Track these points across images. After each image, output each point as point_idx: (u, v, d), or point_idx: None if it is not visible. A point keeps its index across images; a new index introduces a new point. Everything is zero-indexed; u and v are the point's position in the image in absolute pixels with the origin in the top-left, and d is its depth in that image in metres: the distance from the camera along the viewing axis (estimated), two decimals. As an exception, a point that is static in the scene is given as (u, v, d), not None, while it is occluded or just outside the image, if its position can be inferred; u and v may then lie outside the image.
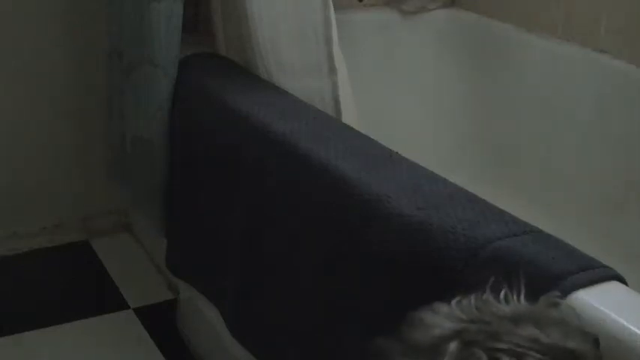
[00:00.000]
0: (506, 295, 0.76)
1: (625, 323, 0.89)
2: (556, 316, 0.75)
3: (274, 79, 1.63)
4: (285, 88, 1.60)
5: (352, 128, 1.43)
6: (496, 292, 0.77)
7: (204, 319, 1.71)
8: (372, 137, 1.37)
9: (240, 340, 1.49)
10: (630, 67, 1.78)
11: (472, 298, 0.75)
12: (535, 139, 2.00)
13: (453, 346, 0.70)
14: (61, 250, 2.16)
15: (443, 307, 0.74)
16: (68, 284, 2.07)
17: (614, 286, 0.96)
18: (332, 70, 1.67)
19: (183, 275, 1.76)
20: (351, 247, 1.18)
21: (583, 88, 1.88)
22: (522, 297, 0.76)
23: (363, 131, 1.40)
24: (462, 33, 2.18)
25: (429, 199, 1.13)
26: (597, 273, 0.96)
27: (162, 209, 1.78)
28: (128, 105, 1.80)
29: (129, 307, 1.96)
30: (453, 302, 0.75)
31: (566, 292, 0.93)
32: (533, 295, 0.78)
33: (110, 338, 1.86)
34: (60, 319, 1.90)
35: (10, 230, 2.12)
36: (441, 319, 0.73)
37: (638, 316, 0.90)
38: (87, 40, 2.04)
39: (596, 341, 0.76)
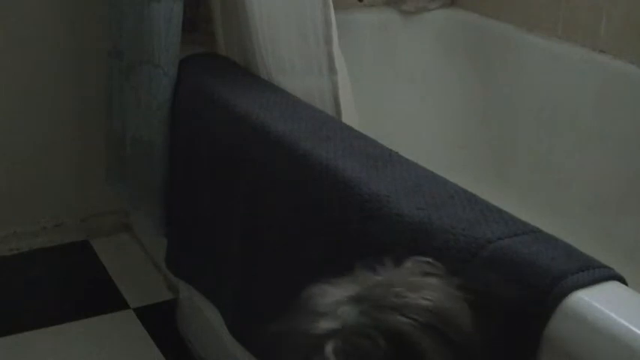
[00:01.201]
0: (376, 268, 0.86)
1: (625, 323, 0.89)
2: (424, 279, 0.85)
3: (274, 79, 1.63)
4: (285, 88, 1.60)
5: (352, 128, 1.42)
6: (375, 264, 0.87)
7: (204, 319, 1.71)
8: (372, 137, 1.37)
9: (240, 340, 1.49)
10: (630, 67, 1.78)
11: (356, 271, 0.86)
12: (535, 139, 2.00)
13: (346, 309, 0.81)
14: (61, 250, 2.16)
15: (336, 281, 0.85)
16: (68, 284, 2.07)
17: (614, 286, 0.96)
18: (332, 70, 1.67)
19: (183, 275, 1.76)
20: (351, 247, 1.18)
21: (583, 88, 1.88)
22: (391, 266, 0.86)
23: (363, 131, 1.40)
24: (462, 33, 2.18)
25: (429, 199, 1.13)
26: (597, 273, 0.96)
27: (162, 209, 1.78)
28: (128, 105, 1.80)
29: (129, 307, 1.96)
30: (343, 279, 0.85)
31: (566, 292, 0.93)
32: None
33: (110, 338, 1.86)
34: (60, 319, 1.90)
35: (10, 230, 2.12)
36: (336, 289, 0.84)
37: (638, 316, 0.90)
38: (87, 40, 2.04)
39: (472, 303, 0.85)
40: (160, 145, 1.73)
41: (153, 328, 1.88)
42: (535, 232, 1.05)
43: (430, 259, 0.89)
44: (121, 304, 1.96)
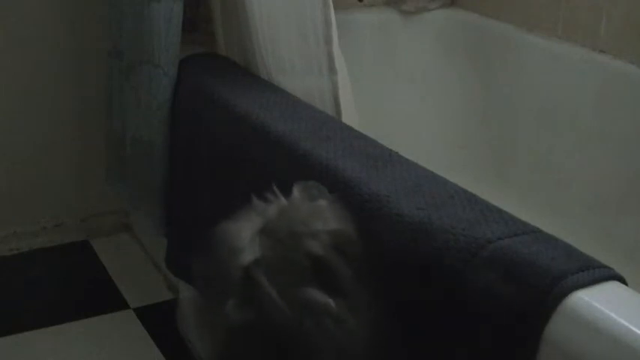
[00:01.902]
0: (267, 197, 0.94)
1: (625, 323, 0.89)
2: (317, 204, 0.92)
3: (274, 79, 1.63)
4: (285, 88, 1.60)
5: (352, 128, 1.42)
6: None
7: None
8: (372, 137, 1.37)
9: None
10: (630, 67, 1.78)
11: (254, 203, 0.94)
12: (535, 139, 2.00)
13: (261, 240, 0.88)
14: (61, 250, 2.16)
15: (239, 215, 0.93)
16: (68, 284, 2.07)
17: (614, 286, 0.96)
18: (332, 70, 1.67)
19: (183, 275, 1.76)
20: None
21: (583, 88, 1.88)
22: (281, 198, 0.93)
23: (363, 131, 1.40)
24: (462, 33, 2.18)
25: (429, 199, 1.13)
26: (597, 273, 0.96)
27: (162, 209, 1.78)
28: (128, 105, 1.80)
29: (129, 307, 1.96)
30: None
31: (566, 292, 0.93)
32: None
33: (110, 338, 1.86)
34: (60, 319, 1.90)
35: (10, 230, 2.12)
36: (244, 224, 0.91)
37: (638, 316, 0.90)
38: (87, 40, 2.04)
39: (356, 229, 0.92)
40: (160, 145, 1.73)
41: (153, 328, 1.88)
42: (535, 232, 1.05)
43: (315, 182, 0.97)
44: (121, 304, 1.96)
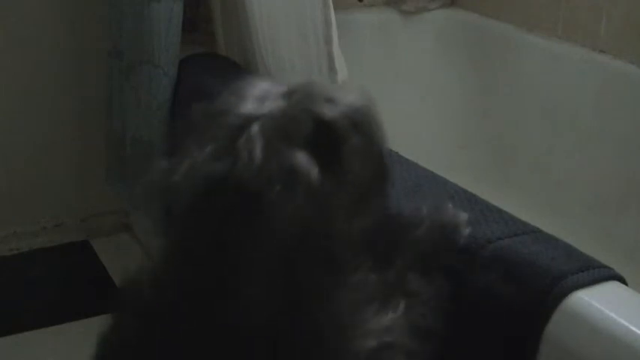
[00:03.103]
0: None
1: (625, 323, 0.89)
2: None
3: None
4: (285, 88, 1.60)
5: (352, 128, 1.42)
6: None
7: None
8: (372, 137, 1.36)
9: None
10: (630, 67, 1.79)
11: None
12: (535, 139, 2.00)
13: (275, 97, 0.82)
14: (61, 250, 2.16)
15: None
16: (68, 284, 2.07)
17: (614, 286, 0.96)
18: (332, 69, 1.67)
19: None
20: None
21: (583, 88, 1.88)
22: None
23: (363, 131, 1.40)
24: (462, 33, 2.18)
25: (429, 199, 1.13)
26: (597, 273, 0.96)
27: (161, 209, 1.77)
28: (128, 105, 1.79)
29: (129, 307, 1.95)
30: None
31: (566, 292, 0.93)
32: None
33: (110, 338, 1.86)
34: (60, 319, 1.90)
35: (10, 230, 2.12)
36: (266, 83, 0.85)
37: (638, 316, 0.90)
38: (87, 40, 2.04)
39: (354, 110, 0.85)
40: (160, 145, 1.73)
41: (153, 328, 1.88)
42: (535, 232, 1.05)
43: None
44: (121, 304, 1.96)
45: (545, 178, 1.98)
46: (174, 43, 1.68)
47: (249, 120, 0.80)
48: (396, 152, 1.30)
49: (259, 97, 0.83)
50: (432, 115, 2.19)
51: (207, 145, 0.80)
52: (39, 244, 2.15)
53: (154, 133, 1.72)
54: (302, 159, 0.79)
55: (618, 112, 1.81)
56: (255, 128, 0.80)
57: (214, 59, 1.76)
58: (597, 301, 0.92)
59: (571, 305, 0.92)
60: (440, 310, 0.97)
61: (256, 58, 1.64)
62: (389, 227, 1.11)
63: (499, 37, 2.08)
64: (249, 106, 0.82)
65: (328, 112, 0.82)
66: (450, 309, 0.99)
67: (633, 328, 0.88)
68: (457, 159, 2.12)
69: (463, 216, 1.03)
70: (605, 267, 0.98)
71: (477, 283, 1.00)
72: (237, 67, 1.70)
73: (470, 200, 1.13)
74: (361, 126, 0.84)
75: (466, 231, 1.02)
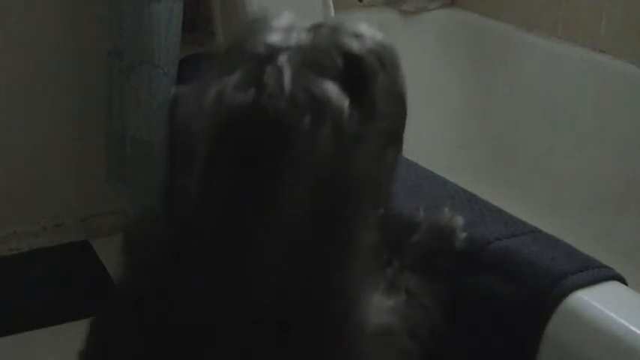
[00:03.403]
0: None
1: (625, 323, 0.89)
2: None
3: (274, 79, 1.63)
4: (285, 88, 1.60)
5: (352, 128, 1.42)
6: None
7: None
8: (372, 137, 1.36)
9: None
10: (630, 67, 1.79)
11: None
12: (535, 139, 2.00)
13: (304, 31, 0.82)
14: (61, 250, 2.16)
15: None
16: (68, 284, 2.07)
17: (614, 286, 0.96)
18: (332, 70, 1.67)
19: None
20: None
21: (583, 88, 1.88)
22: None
23: (363, 131, 1.40)
24: (462, 33, 2.18)
25: (429, 199, 1.13)
26: (597, 273, 0.96)
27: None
28: (128, 105, 1.79)
29: (129, 307, 1.95)
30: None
31: (566, 293, 0.93)
32: None
33: (110, 338, 1.86)
34: (60, 319, 1.89)
35: (10, 230, 2.12)
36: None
37: (638, 316, 0.90)
38: (87, 40, 2.04)
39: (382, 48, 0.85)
40: (160, 145, 1.73)
41: (153, 328, 1.88)
42: (535, 232, 1.05)
43: None
44: (121, 304, 1.96)
45: (545, 178, 1.98)
46: (174, 43, 1.68)
47: (277, 51, 0.78)
48: (396, 152, 1.30)
49: (285, 28, 0.82)
50: (432, 115, 2.19)
51: (231, 75, 0.77)
52: (39, 244, 2.15)
53: (154, 133, 1.72)
54: (333, 90, 0.76)
55: (618, 112, 1.81)
56: (283, 58, 0.78)
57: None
58: (597, 301, 0.92)
59: (571, 305, 0.92)
60: (439, 310, 0.97)
61: (256, 58, 1.64)
62: (389, 227, 1.11)
63: (499, 37, 2.08)
64: (275, 37, 0.80)
65: (357, 46, 0.81)
66: (449, 309, 0.99)
67: (633, 328, 0.87)
68: (457, 159, 2.12)
69: (460, 220, 1.03)
70: (605, 267, 0.98)
71: (477, 283, 1.00)
72: (237, 67, 1.70)
73: (470, 200, 1.13)
74: (387, 63, 0.84)
75: (463, 235, 1.02)
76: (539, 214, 1.36)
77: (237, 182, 0.76)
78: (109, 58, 1.85)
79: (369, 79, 0.81)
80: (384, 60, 0.84)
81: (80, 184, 2.16)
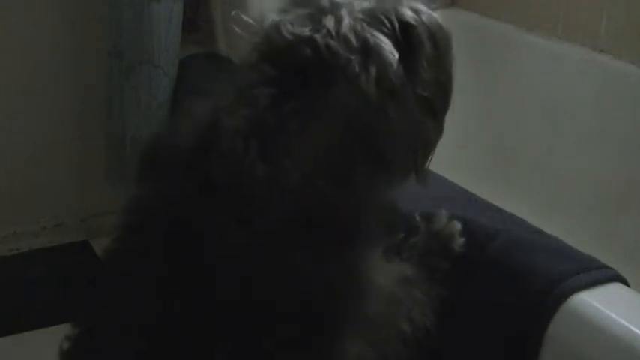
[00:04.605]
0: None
1: (625, 323, 0.89)
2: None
3: (274, 79, 1.63)
4: (285, 88, 1.60)
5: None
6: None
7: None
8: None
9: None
10: (630, 67, 1.78)
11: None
12: (535, 139, 2.00)
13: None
14: (61, 250, 2.16)
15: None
16: (68, 284, 2.07)
17: (614, 286, 0.96)
18: (332, 70, 1.67)
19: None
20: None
21: (583, 88, 1.88)
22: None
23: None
24: (462, 33, 2.17)
25: (429, 200, 1.13)
26: (598, 273, 0.96)
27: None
28: (128, 105, 1.79)
29: (129, 307, 1.95)
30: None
31: (566, 293, 0.93)
32: None
33: (110, 338, 1.86)
34: (60, 319, 1.89)
35: (10, 230, 2.12)
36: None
37: (638, 316, 0.90)
38: (87, 40, 2.04)
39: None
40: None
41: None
42: (535, 232, 1.05)
43: None
44: (121, 304, 1.96)
45: (545, 178, 1.98)
46: (174, 43, 1.68)
47: (339, 6, 0.87)
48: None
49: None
50: (432, 115, 2.19)
51: (295, 14, 0.86)
52: (39, 244, 2.15)
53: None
54: (385, 42, 0.85)
55: (618, 112, 1.81)
56: (344, 11, 0.86)
57: (214, 59, 1.76)
58: (598, 302, 0.92)
59: (572, 305, 0.92)
60: (438, 311, 0.97)
61: (256, 58, 1.64)
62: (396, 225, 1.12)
63: (499, 37, 2.08)
64: None
65: (412, 16, 0.89)
66: (448, 309, 0.99)
67: (634, 329, 0.87)
68: (457, 159, 2.12)
69: (457, 225, 1.04)
70: (606, 267, 0.98)
71: (477, 283, 1.00)
72: (237, 68, 1.70)
73: (470, 200, 1.13)
74: (437, 39, 0.93)
75: (461, 240, 1.03)
76: (539, 214, 1.35)
77: (282, 90, 0.83)
78: (109, 58, 1.85)
79: (417, 46, 0.89)
80: (435, 36, 0.92)
81: (80, 184, 2.16)
